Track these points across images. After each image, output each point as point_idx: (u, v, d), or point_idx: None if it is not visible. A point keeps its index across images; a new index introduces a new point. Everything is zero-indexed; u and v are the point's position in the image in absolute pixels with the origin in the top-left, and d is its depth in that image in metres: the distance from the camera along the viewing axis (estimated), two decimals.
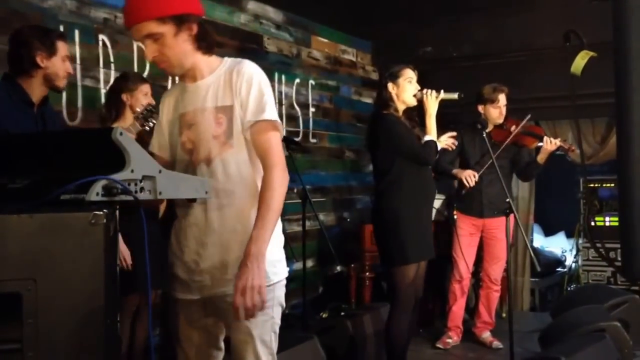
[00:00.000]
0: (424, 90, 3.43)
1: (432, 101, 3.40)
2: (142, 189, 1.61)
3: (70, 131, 2.97)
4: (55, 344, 1.41)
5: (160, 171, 1.66)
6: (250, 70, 1.98)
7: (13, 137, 2.04)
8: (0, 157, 1.65)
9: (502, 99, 4.37)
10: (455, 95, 3.45)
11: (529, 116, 4.30)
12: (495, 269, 4.53)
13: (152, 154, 2.05)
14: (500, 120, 4.39)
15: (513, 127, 4.33)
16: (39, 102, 2.64)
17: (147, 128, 2.87)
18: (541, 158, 4.42)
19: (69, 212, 1.43)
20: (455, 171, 4.33)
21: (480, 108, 4.41)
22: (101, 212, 1.43)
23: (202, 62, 2.01)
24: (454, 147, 3.95)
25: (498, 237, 4.43)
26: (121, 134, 1.55)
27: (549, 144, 4.30)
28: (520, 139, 4.43)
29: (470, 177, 4.24)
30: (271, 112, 1.96)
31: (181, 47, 1.94)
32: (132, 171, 1.57)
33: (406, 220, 3.37)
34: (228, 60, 2.05)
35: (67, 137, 1.85)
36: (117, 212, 1.63)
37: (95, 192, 1.47)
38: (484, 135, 3.91)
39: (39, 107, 2.65)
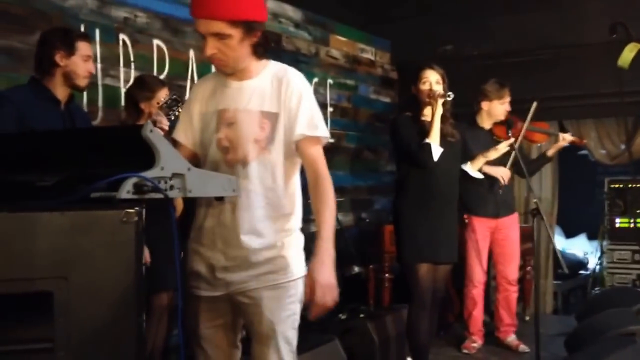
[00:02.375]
0: (432, 93, 3.36)
1: (434, 104, 3.34)
2: (171, 186, 1.58)
3: (99, 128, 2.97)
4: (86, 342, 1.39)
5: (189, 169, 1.64)
6: (300, 83, 2.03)
7: (42, 134, 2.03)
8: (29, 155, 1.62)
9: (508, 95, 4.29)
10: (447, 96, 3.35)
11: (530, 113, 4.16)
12: (512, 270, 4.45)
13: (175, 142, 2.06)
14: (503, 117, 4.29)
15: (519, 124, 4.25)
16: (65, 100, 2.65)
17: (172, 117, 2.84)
18: (552, 152, 4.41)
19: (101, 209, 1.40)
20: (485, 169, 4.18)
21: (485, 105, 4.29)
22: (133, 210, 1.41)
23: (253, 65, 2.03)
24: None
25: (510, 236, 4.38)
26: (151, 131, 1.52)
27: (563, 140, 4.31)
28: (530, 136, 4.38)
29: (506, 175, 4.18)
30: (324, 129, 2.05)
31: (242, 51, 1.96)
32: (162, 169, 1.55)
33: (408, 220, 3.42)
34: (274, 65, 2.07)
35: (96, 134, 1.83)
36: (144, 210, 1.61)
37: (126, 190, 1.45)
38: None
39: (66, 106, 2.66)
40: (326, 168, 2.04)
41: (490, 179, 4.22)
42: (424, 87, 3.40)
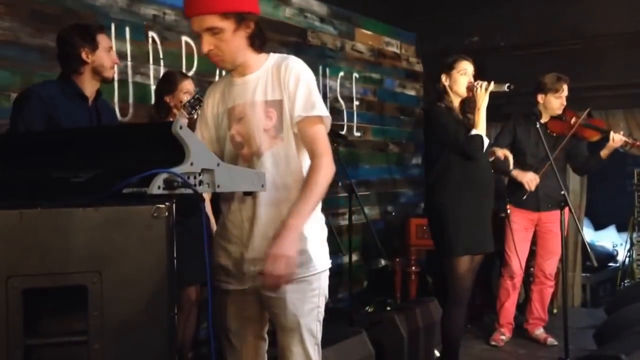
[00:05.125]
0: (476, 83, 3.34)
1: (482, 94, 3.30)
2: (200, 182, 1.61)
3: (131, 125, 3.03)
4: (119, 335, 1.42)
5: (218, 164, 1.66)
6: (298, 67, 2.03)
7: (75, 131, 2.08)
8: (64, 151, 1.67)
9: (565, 89, 4.22)
10: (504, 87, 3.33)
11: (589, 109, 4.14)
12: (550, 264, 4.43)
13: None
14: (560, 111, 4.25)
15: (573, 120, 4.18)
16: (92, 96, 2.71)
17: (195, 116, 2.91)
18: (605, 153, 4.25)
19: (133, 205, 1.44)
20: (514, 173, 4.18)
21: (540, 97, 4.23)
22: (163, 205, 1.44)
23: (252, 58, 2.05)
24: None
25: (554, 231, 4.30)
26: (181, 127, 1.55)
27: (615, 140, 4.16)
28: (581, 132, 4.28)
29: (532, 182, 4.13)
30: (321, 108, 2.02)
31: (237, 43, 1.97)
32: (191, 164, 1.57)
33: (454, 213, 3.33)
34: (274, 56, 2.09)
35: (127, 131, 1.87)
36: (174, 205, 1.64)
37: (157, 186, 1.47)
38: (538, 126, 3.80)
39: (94, 102, 2.72)
40: (326, 147, 2.00)
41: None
42: (463, 77, 3.36)
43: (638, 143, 4.34)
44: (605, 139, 4.23)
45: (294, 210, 1.92)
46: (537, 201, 4.28)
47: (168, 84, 3.25)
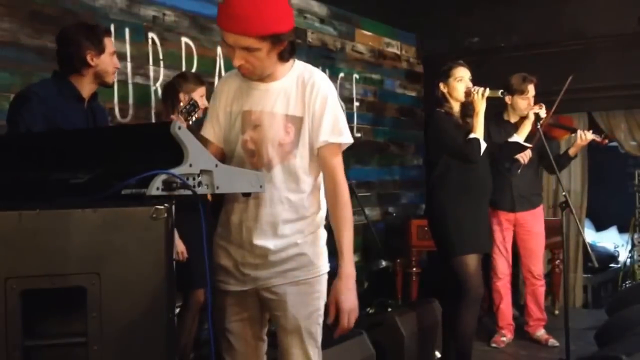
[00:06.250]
0: (473, 89, 3.43)
1: (479, 99, 3.40)
2: (199, 183, 1.61)
3: (130, 126, 3.02)
4: (118, 337, 1.42)
5: (216, 165, 1.66)
6: (325, 89, 2.02)
7: (74, 132, 2.07)
8: (63, 152, 1.67)
9: (531, 89, 4.22)
10: (498, 93, 3.46)
11: (554, 107, 4.12)
12: (536, 264, 4.42)
13: (204, 140, 2.08)
14: (527, 112, 4.24)
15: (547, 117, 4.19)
16: (88, 97, 2.68)
17: (190, 122, 2.91)
18: (573, 151, 4.34)
19: (131, 206, 1.43)
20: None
21: (508, 99, 4.22)
22: (162, 207, 1.43)
23: (279, 68, 2.02)
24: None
25: (532, 231, 4.34)
26: (179, 128, 1.55)
27: (582, 139, 4.23)
28: (550, 132, 4.29)
29: (525, 154, 4.13)
30: (348, 136, 2.05)
31: (269, 60, 1.96)
32: (190, 165, 1.57)
33: (453, 213, 3.40)
34: (299, 65, 2.07)
35: (126, 132, 1.86)
36: (174, 206, 1.64)
37: (156, 187, 1.47)
38: (539, 128, 3.81)
39: (89, 103, 2.69)
40: (344, 175, 2.06)
41: (511, 164, 4.21)
42: (460, 84, 3.45)
43: (606, 141, 4.43)
44: (574, 137, 4.32)
45: (345, 257, 2.02)
46: (512, 202, 4.30)
47: (187, 82, 3.29)
